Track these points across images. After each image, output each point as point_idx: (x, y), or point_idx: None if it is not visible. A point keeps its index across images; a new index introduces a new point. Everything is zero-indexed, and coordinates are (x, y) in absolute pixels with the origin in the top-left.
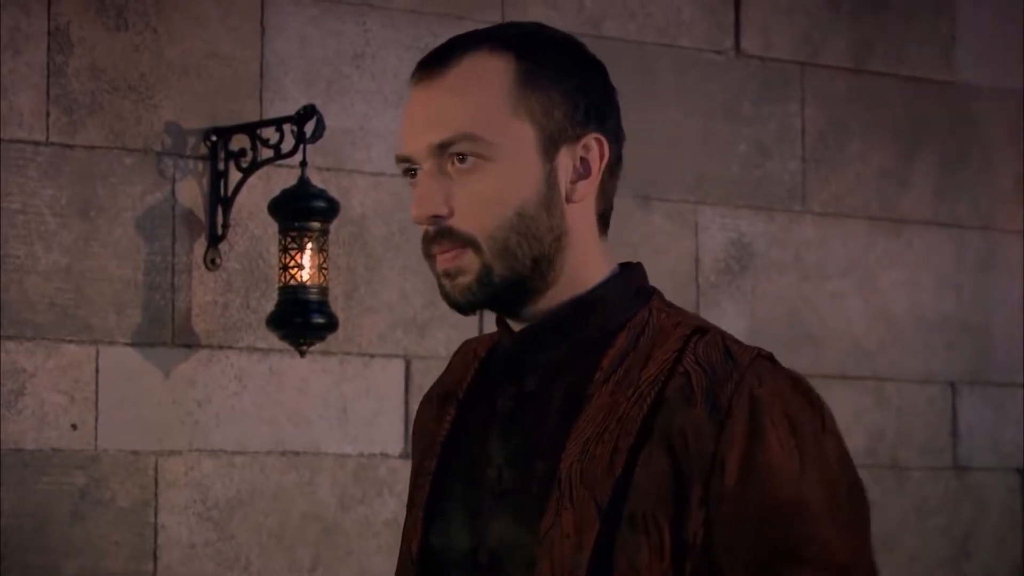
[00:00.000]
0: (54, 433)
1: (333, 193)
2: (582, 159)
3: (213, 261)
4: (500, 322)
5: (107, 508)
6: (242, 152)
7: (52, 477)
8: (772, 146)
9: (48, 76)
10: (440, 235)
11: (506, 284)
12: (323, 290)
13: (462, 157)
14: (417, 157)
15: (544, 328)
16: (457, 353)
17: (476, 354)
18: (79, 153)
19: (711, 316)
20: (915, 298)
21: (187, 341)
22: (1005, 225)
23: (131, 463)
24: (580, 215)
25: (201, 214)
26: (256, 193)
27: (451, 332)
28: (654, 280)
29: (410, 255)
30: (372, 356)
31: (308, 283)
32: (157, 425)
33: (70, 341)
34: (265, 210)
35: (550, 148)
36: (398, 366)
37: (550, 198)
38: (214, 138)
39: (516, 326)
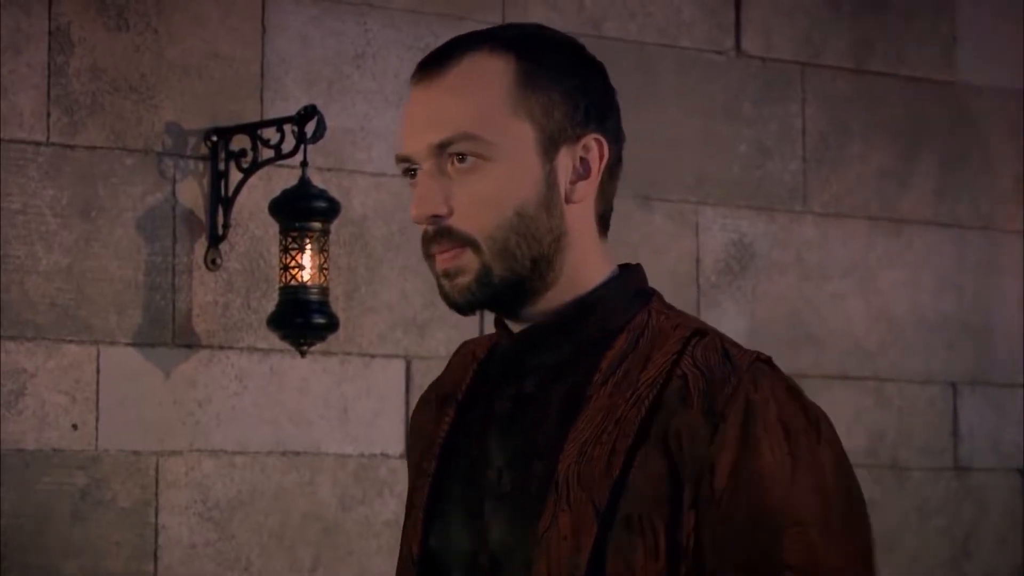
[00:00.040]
0: (55, 433)
1: (334, 193)
2: (582, 159)
3: (214, 261)
4: (498, 323)
5: (108, 508)
6: (243, 152)
7: (53, 477)
8: (773, 146)
9: (49, 76)
10: (439, 235)
11: (505, 284)
12: (324, 290)
13: (462, 157)
14: (417, 157)
15: (543, 330)
16: (456, 354)
17: (475, 355)
18: (80, 153)
19: (712, 316)
20: (916, 298)
21: (188, 341)
22: (1005, 225)
23: (132, 463)
24: (580, 216)
25: (202, 214)
26: (257, 193)
27: (451, 332)
28: (655, 280)
29: (411, 255)
30: (373, 356)
31: (309, 283)
32: (158, 425)
33: (71, 341)
34: (266, 210)
35: (550, 148)
36: (399, 366)
37: (550, 198)
38: (215, 138)
39: (515, 327)
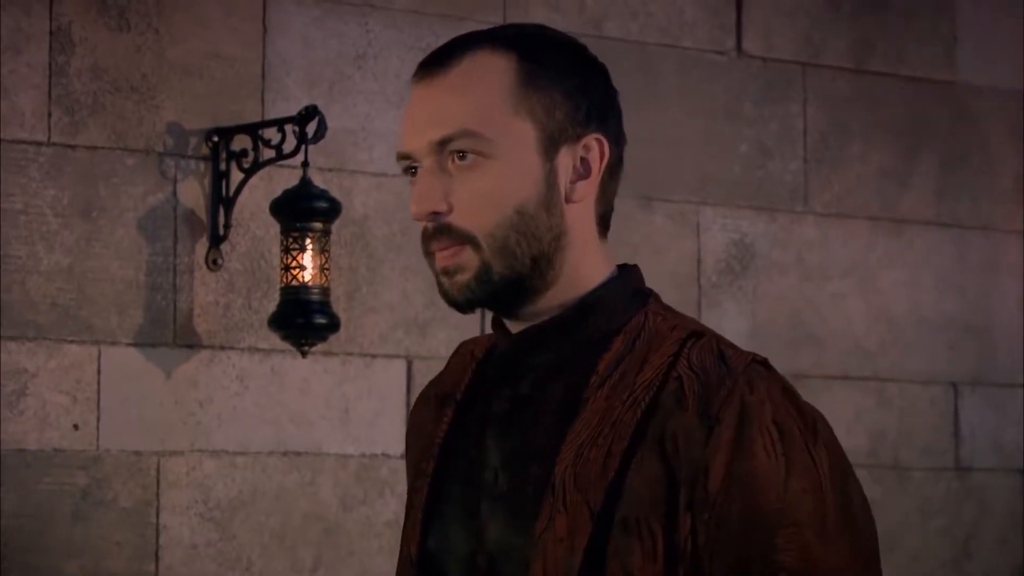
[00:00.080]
0: (56, 433)
1: (335, 193)
2: (582, 159)
3: (215, 261)
4: (496, 324)
5: (109, 508)
6: (244, 152)
7: (54, 477)
8: (774, 146)
9: (50, 76)
10: (439, 232)
11: (505, 283)
12: (325, 290)
13: (462, 154)
14: (417, 154)
15: (541, 331)
16: (455, 354)
17: (474, 355)
18: (81, 153)
19: (713, 316)
20: (916, 298)
21: (189, 341)
22: (1006, 225)
23: (133, 463)
24: (580, 215)
25: (203, 214)
26: (258, 193)
27: (453, 332)
28: (656, 281)
29: (412, 256)
30: (374, 356)
31: (310, 283)
32: (159, 425)
33: (72, 341)
34: (267, 210)
35: (550, 147)
36: (400, 366)
37: (550, 197)
38: (216, 138)
39: (514, 327)
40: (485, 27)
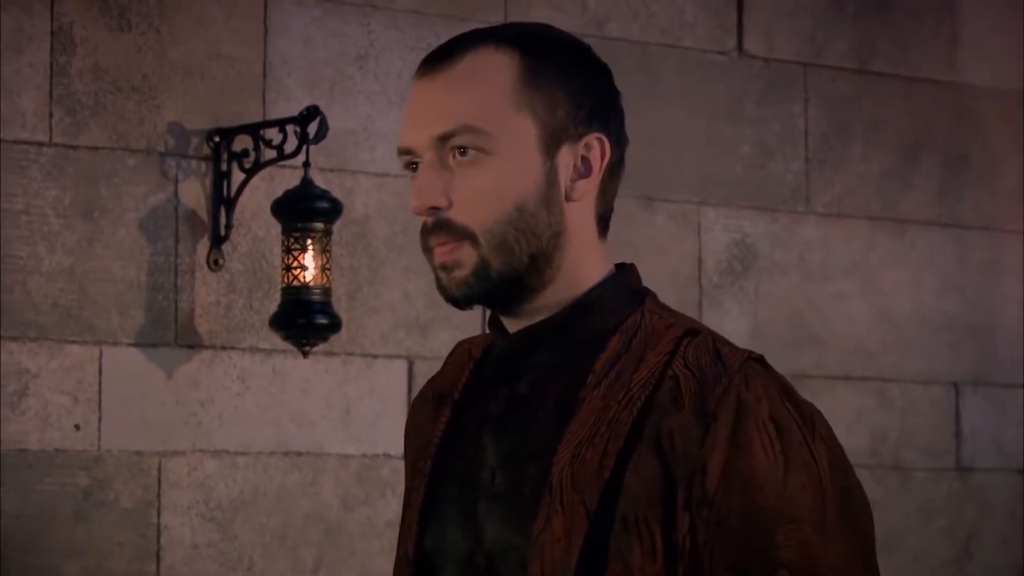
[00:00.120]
0: (57, 434)
1: (336, 194)
2: (583, 158)
3: (216, 262)
4: (493, 324)
5: (110, 509)
6: (245, 153)
7: (55, 478)
8: (775, 147)
9: (51, 77)
10: (438, 227)
11: (503, 279)
12: (326, 291)
13: (463, 150)
14: (418, 149)
15: (538, 330)
16: (452, 354)
17: (471, 355)
18: (82, 154)
19: (714, 317)
20: (918, 299)
21: (190, 342)
22: (1007, 225)
23: (134, 464)
24: (579, 214)
25: (204, 215)
26: (259, 194)
27: (454, 333)
28: (657, 281)
29: (413, 256)
30: (375, 357)
31: (311, 284)
32: (160, 426)
33: (73, 342)
34: (268, 211)
35: (551, 145)
36: (401, 367)
37: (550, 195)
38: (217, 139)
39: (511, 326)
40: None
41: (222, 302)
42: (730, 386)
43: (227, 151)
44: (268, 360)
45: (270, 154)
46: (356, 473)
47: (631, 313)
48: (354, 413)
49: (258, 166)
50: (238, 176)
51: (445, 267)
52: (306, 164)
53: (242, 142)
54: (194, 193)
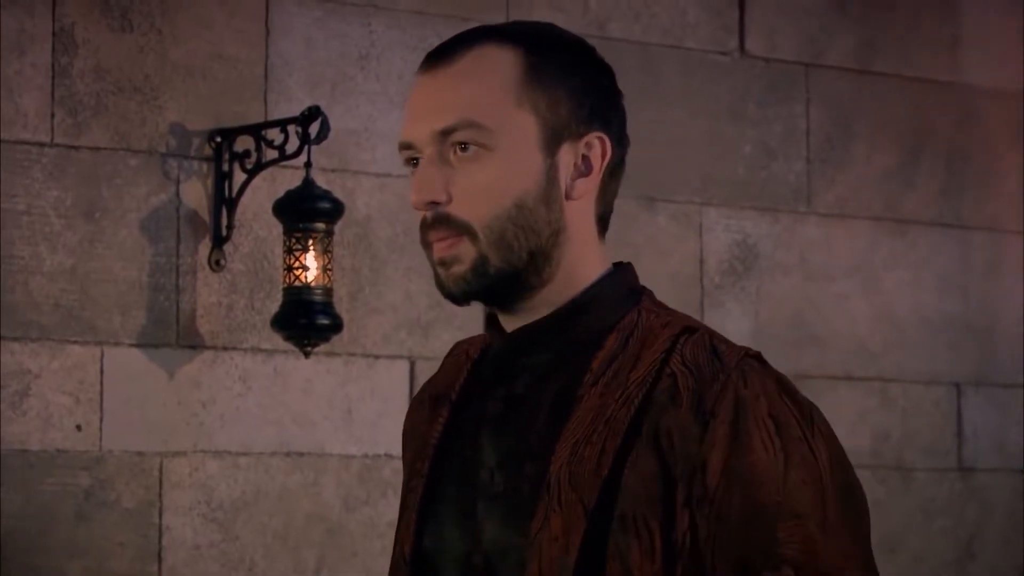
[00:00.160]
0: (59, 434)
1: (338, 194)
2: (584, 157)
3: (217, 262)
4: (490, 324)
5: (112, 509)
6: (246, 153)
7: (57, 478)
8: (777, 147)
9: (53, 77)
10: (437, 221)
11: (501, 276)
12: (328, 291)
13: (464, 146)
14: (419, 143)
15: (535, 330)
16: (449, 354)
17: (468, 355)
18: (84, 154)
19: (716, 317)
20: (919, 299)
21: (192, 342)
22: (1009, 226)
23: (136, 464)
24: (579, 213)
25: (205, 215)
26: (260, 194)
27: (456, 333)
28: (659, 281)
29: (415, 256)
30: (377, 357)
31: (313, 284)
32: (162, 426)
33: (75, 342)
34: (270, 211)
35: (552, 143)
36: (402, 367)
37: (550, 193)
38: (218, 139)
39: (508, 325)
40: None
41: (224, 302)
42: (728, 383)
43: (229, 151)
44: (270, 360)
45: (272, 154)
46: (358, 473)
47: (628, 312)
48: (356, 413)
49: (260, 166)
50: (240, 176)
51: (444, 262)
52: (307, 164)
53: (244, 142)
54: (196, 193)
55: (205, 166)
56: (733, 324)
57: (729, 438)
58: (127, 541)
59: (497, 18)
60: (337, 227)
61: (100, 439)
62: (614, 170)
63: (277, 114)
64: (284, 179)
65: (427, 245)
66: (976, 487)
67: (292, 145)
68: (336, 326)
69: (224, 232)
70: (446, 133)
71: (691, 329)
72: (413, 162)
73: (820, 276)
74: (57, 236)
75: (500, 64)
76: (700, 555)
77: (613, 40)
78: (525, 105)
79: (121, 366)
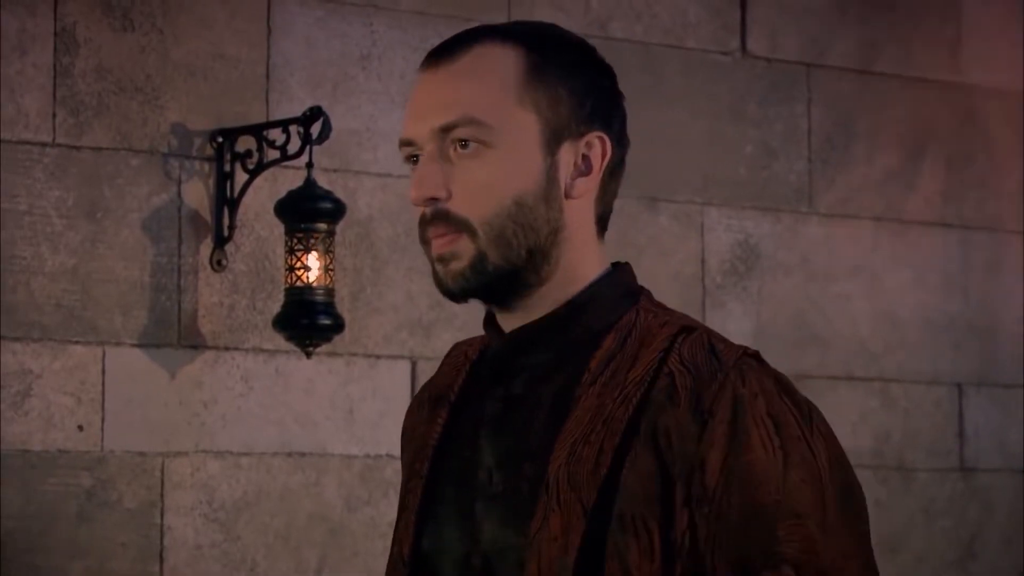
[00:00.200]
0: (60, 434)
1: (339, 194)
2: (584, 156)
3: (219, 262)
4: (489, 323)
5: (113, 509)
6: (248, 153)
7: (58, 478)
8: (778, 147)
9: (54, 77)
10: (436, 217)
11: (500, 273)
12: (329, 291)
13: (464, 143)
14: (420, 140)
15: (533, 330)
16: (448, 355)
17: (467, 356)
18: (85, 154)
19: (717, 317)
20: (921, 299)
21: (193, 342)
22: (1010, 226)
23: (137, 464)
24: (578, 212)
25: (207, 215)
26: (262, 194)
27: (457, 334)
28: (661, 281)
29: (416, 257)
30: (378, 357)
31: (314, 284)
32: (163, 426)
33: (76, 342)
34: (271, 211)
35: (552, 142)
36: (404, 367)
37: (549, 191)
38: (220, 139)
39: (506, 324)
40: None
41: (225, 303)
42: (726, 382)
43: (230, 152)
44: (271, 361)
45: (273, 155)
46: (359, 473)
47: (626, 311)
48: (357, 414)
49: (261, 167)
50: (241, 177)
51: (442, 259)
52: (309, 165)
53: (245, 143)
54: (197, 194)
55: (207, 166)
56: (735, 324)
57: (727, 437)
58: (129, 541)
59: (498, 18)
60: (339, 227)
61: (102, 439)
62: (614, 170)
63: (279, 114)
64: (286, 179)
65: (426, 242)
66: (978, 487)
67: (294, 145)
68: (338, 326)
69: (226, 232)
70: (446, 130)
71: (689, 328)
72: (413, 159)
73: (821, 276)
74: (59, 236)
75: (502, 63)
76: (699, 554)
77: (614, 40)
78: (526, 104)
79: (123, 366)
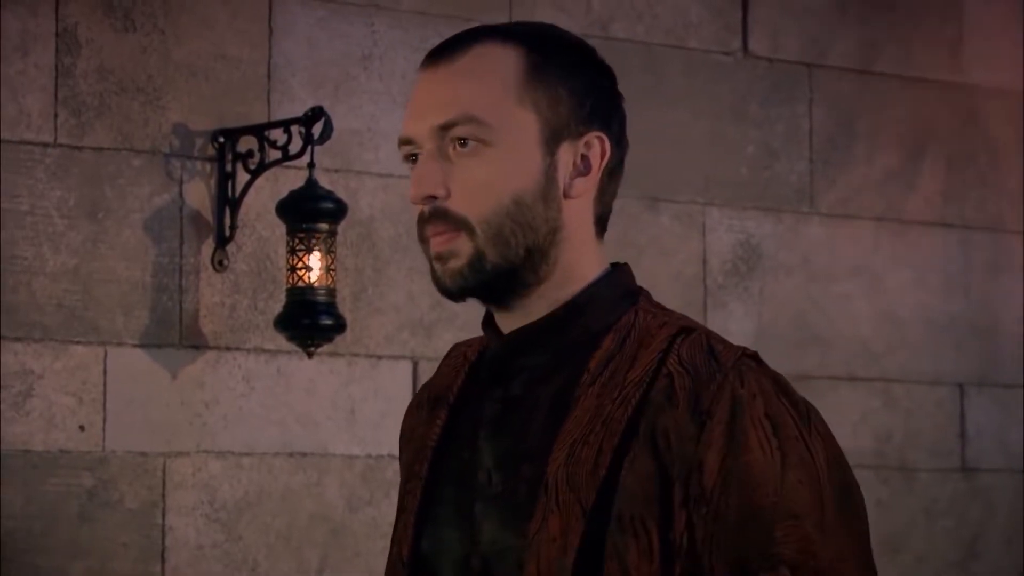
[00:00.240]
0: (62, 434)
1: (341, 194)
2: (583, 156)
3: (221, 262)
4: (487, 324)
5: (115, 509)
6: (250, 153)
7: (60, 478)
8: (780, 147)
9: (56, 78)
10: (435, 215)
11: (498, 272)
12: (331, 291)
13: (463, 142)
14: (419, 138)
15: (532, 331)
16: (447, 356)
17: (466, 357)
18: (87, 155)
19: (719, 317)
20: (922, 299)
21: (195, 342)
22: (1011, 226)
23: (139, 464)
24: (577, 212)
25: (209, 215)
26: (264, 195)
27: (458, 334)
28: (662, 282)
29: (418, 257)
30: (380, 357)
31: (316, 284)
32: (165, 426)
33: (78, 342)
34: (273, 211)
35: (552, 141)
36: (405, 367)
37: (548, 190)
38: (222, 139)
39: (505, 326)
40: None
41: (227, 303)
42: (724, 383)
43: (232, 152)
44: (273, 361)
45: (275, 155)
46: (361, 474)
47: (625, 312)
48: (359, 414)
49: (263, 167)
50: (243, 177)
51: (440, 257)
52: (311, 165)
53: (247, 143)
54: (199, 194)
55: (208, 166)
56: (736, 324)
57: (725, 438)
58: (130, 542)
59: (500, 18)
60: (340, 227)
61: (103, 439)
62: (613, 171)
63: (280, 114)
64: (287, 179)
65: (424, 240)
66: (979, 487)
67: (295, 145)
68: (339, 326)
69: (227, 232)
70: (446, 128)
71: (688, 329)
72: (412, 158)
73: (823, 276)
74: (60, 236)
75: (502, 62)
76: (697, 555)
77: (616, 40)
78: (526, 103)
79: (124, 366)
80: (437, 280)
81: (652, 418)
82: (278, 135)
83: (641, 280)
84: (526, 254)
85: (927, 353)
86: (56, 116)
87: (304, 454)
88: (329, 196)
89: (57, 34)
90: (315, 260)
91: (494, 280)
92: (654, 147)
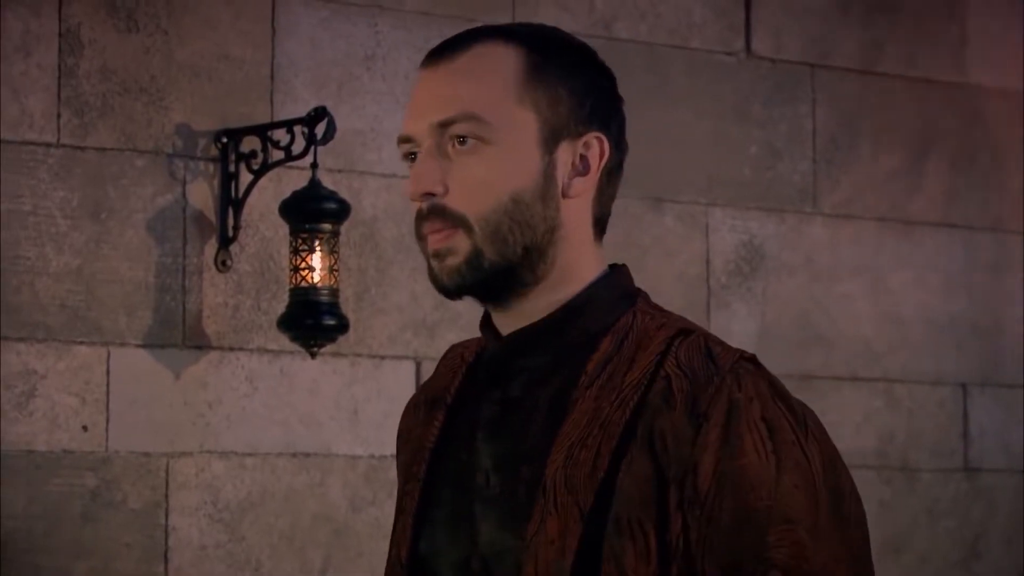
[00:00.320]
0: (65, 435)
1: (344, 195)
2: (582, 156)
3: (224, 263)
4: (485, 326)
5: (118, 510)
6: (253, 154)
7: (63, 479)
8: (783, 147)
9: (59, 78)
10: (433, 212)
11: (495, 270)
12: (334, 292)
13: (462, 140)
14: (418, 136)
15: (530, 333)
16: (444, 358)
17: (464, 359)
18: (90, 155)
19: (722, 318)
20: (925, 299)
21: (198, 343)
22: (1014, 226)
23: (142, 465)
24: (576, 212)
25: (212, 216)
26: (267, 195)
27: (461, 334)
28: (665, 282)
29: (420, 257)
30: (383, 358)
31: (319, 285)
32: (168, 427)
33: (81, 343)
34: (276, 212)
35: (551, 140)
36: (408, 368)
37: (546, 190)
38: (225, 140)
39: (503, 327)
40: None
41: (230, 303)
42: (722, 386)
43: (235, 152)
44: (276, 361)
45: (278, 155)
46: (364, 474)
47: (623, 314)
48: (362, 414)
49: (266, 167)
50: (246, 177)
51: (438, 254)
52: (314, 165)
53: (250, 143)
54: (202, 194)
55: (211, 167)
56: (739, 324)
57: (721, 441)
58: (133, 542)
59: (502, 19)
60: (343, 228)
61: (106, 440)
62: (612, 172)
63: (283, 115)
64: (290, 180)
65: (422, 237)
66: (982, 487)
67: (298, 146)
68: (342, 327)
69: (230, 233)
70: (445, 125)
71: (686, 331)
72: (411, 157)
73: (826, 276)
74: (63, 237)
75: (502, 62)
76: (692, 559)
77: (619, 40)
78: (526, 103)
79: (127, 367)
80: (434, 278)
81: (649, 420)
82: (281, 135)
83: (644, 280)
84: (524, 253)
85: (930, 353)
86: (59, 116)
87: (307, 454)
88: (332, 196)
89: (60, 34)
90: (318, 260)
91: (492, 278)
92: (657, 147)
